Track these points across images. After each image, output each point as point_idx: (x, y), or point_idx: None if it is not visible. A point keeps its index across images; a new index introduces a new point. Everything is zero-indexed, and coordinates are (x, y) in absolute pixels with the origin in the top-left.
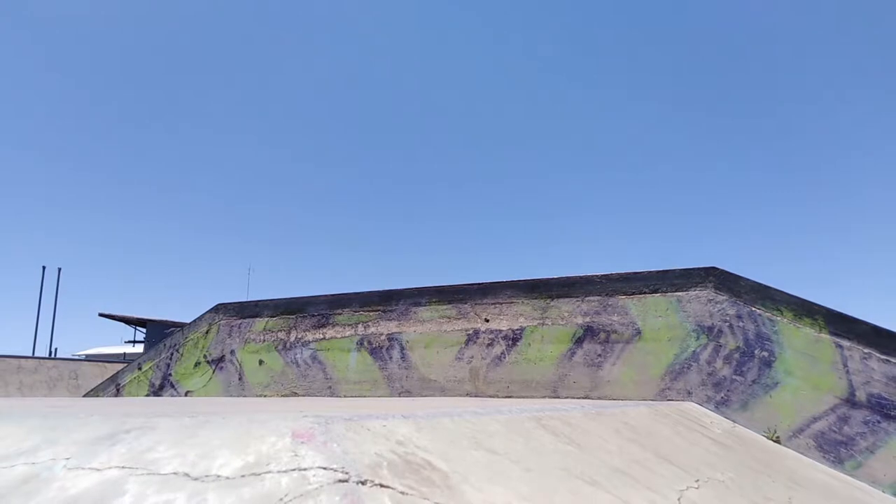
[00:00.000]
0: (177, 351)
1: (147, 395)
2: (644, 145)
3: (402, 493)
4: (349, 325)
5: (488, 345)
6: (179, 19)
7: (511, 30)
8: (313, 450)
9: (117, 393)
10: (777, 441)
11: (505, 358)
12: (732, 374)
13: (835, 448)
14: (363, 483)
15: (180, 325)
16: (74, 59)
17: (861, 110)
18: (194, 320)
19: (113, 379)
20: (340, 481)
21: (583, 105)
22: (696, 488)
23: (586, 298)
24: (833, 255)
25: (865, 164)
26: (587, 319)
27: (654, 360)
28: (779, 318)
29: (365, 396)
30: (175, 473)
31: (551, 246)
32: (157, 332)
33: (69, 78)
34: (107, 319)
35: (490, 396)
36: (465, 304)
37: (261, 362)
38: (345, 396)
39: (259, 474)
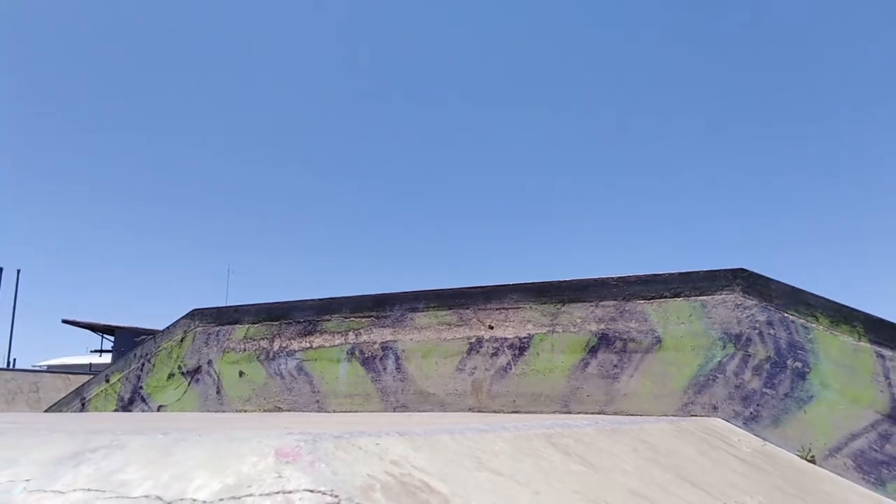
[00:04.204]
0: (148, 361)
1: (115, 410)
2: (660, 149)
3: None
4: (339, 332)
5: (492, 354)
6: (153, 21)
7: (517, 29)
8: (299, 470)
9: (82, 408)
10: (812, 461)
11: (511, 369)
12: (763, 386)
13: (876, 469)
14: None
15: (152, 333)
16: (39, 59)
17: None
18: (167, 327)
19: (78, 392)
20: None
21: (601, 102)
22: None
23: (601, 303)
24: (871, 261)
25: None
26: (602, 326)
27: (675, 372)
28: (814, 325)
29: (356, 411)
30: (146, 497)
31: (562, 253)
32: (127, 341)
33: (34, 80)
34: (71, 326)
35: (494, 412)
36: (467, 309)
37: (241, 374)
38: (334, 411)
39: (239, 497)
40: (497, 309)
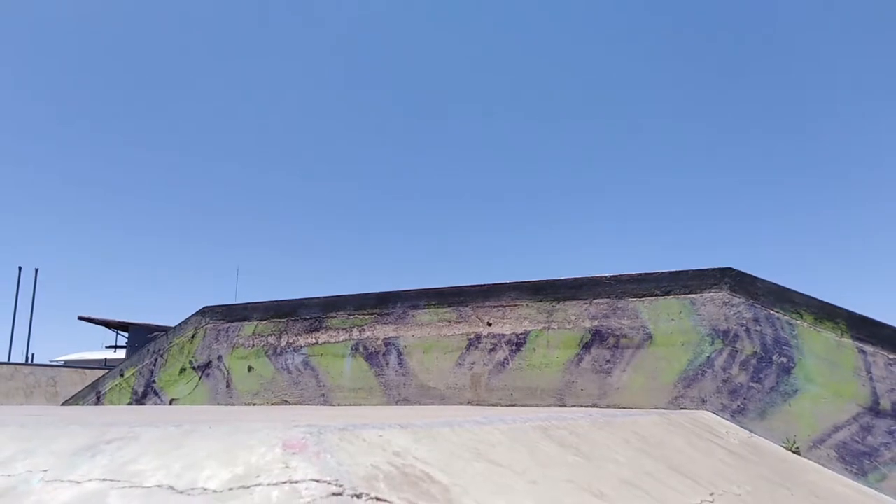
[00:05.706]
0: (161, 357)
1: (129, 404)
2: (654, 151)
3: None
4: (343, 328)
5: (490, 350)
6: (165, 27)
7: (515, 33)
8: (305, 461)
9: (98, 401)
10: (796, 452)
11: (508, 364)
12: (749, 381)
13: (858, 459)
14: (358, 497)
15: (164, 330)
16: (49, 60)
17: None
18: (179, 324)
19: (93, 386)
20: (334, 495)
21: (594, 100)
22: (711, 502)
23: (594, 301)
24: (854, 260)
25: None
26: (595, 323)
27: (666, 367)
28: (798, 322)
29: (360, 405)
30: (159, 486)
31: (557, 252)
32: (141, 337)
33: (39, 80)
34: (87, 323)
35: (492, 405)
36: (466, 306)
37: (250, 368)
38: (339, 405)
39: (248, 487)
40: (495, 306)
